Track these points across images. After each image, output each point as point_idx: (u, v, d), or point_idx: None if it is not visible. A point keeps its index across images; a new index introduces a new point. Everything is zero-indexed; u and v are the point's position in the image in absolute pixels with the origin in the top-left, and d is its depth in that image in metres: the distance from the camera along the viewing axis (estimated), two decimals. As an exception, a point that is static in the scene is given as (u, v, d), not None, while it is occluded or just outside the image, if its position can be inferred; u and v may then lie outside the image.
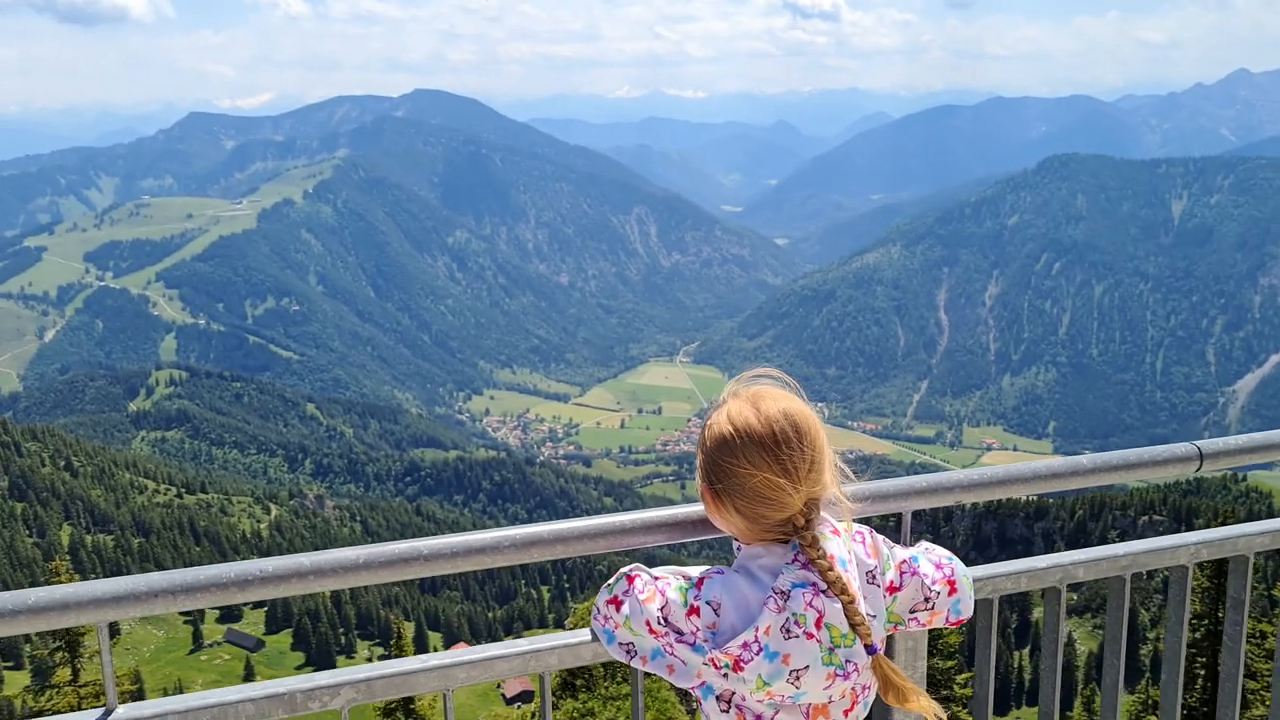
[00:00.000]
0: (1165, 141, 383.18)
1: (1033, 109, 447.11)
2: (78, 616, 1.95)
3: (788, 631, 1.96)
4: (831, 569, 1.99)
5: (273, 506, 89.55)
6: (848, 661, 2.00)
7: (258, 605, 62.20)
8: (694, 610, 1.98)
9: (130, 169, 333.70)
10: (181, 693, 2.17)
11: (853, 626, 1.99)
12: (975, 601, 2.51)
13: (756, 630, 1.95)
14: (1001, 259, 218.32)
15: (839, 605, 1.98)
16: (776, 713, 2.05)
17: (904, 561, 2.16)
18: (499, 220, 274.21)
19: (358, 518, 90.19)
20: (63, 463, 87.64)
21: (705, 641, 1.99)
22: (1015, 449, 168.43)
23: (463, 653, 2.26)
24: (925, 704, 2.14)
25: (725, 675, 1.99)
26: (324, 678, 2.16)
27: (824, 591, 1.97)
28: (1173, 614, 3.25)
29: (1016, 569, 2.88)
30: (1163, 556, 3.14)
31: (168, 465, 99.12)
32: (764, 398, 2.00)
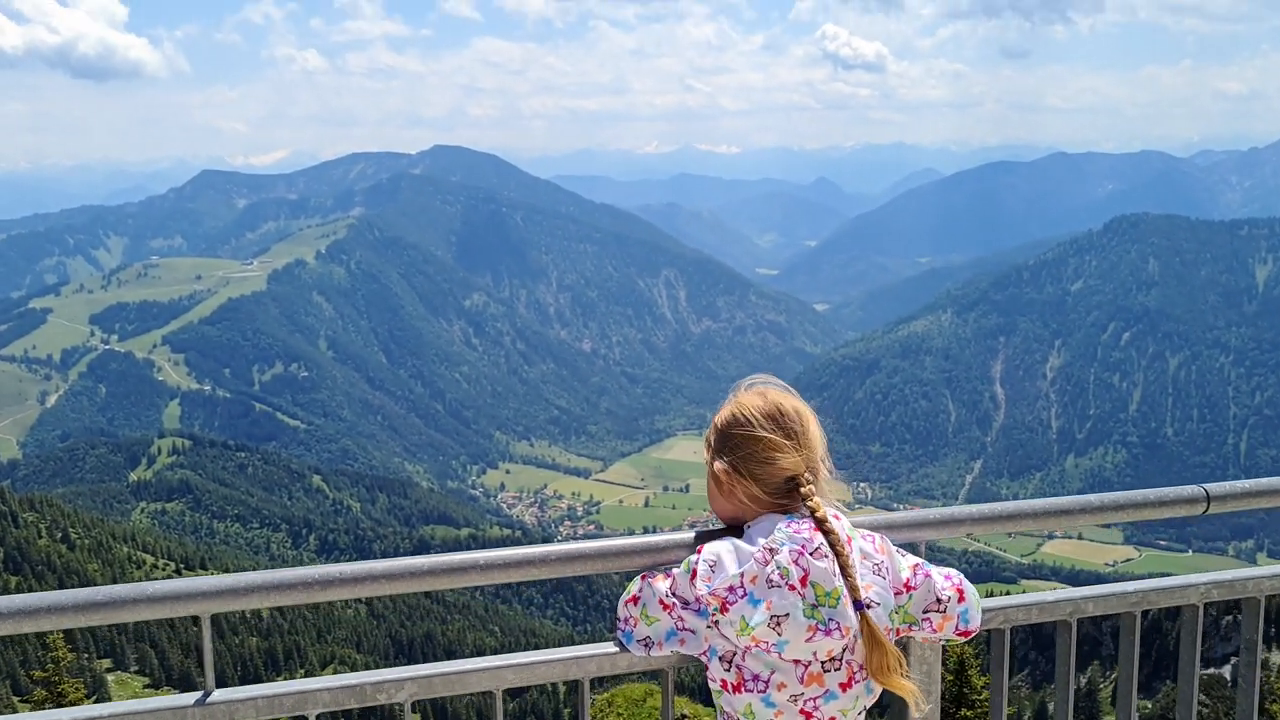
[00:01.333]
0: (1246, 200, 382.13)
1: (1098, 165, 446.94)
2: (187, 607, 2.48)
3: (770, 582, 2.42)
4: (826, 521, 2.49)
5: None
6: (830, 620, 2.41)
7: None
8: (695, 574, 2.50)
9: (140, 228, 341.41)
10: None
11: (846, 580, 2.42)
12: (989, 632, 3.12)
13: (742, 576, 2.44)
14: (1064, 328, 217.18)
15: (825, 566, 2.42)
16: (773, 673, 2.48)
17: (918, 564, 2.63)
18: (519, 282, 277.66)
19: (362, 598, 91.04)
20: (60, 534, 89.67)
21: (707, 605, 2.48)
22: (1080, 537, 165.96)
23: (512, 656, 2.76)
24: (907, 686, 2.52)
25: (717, 623, 2.48)
26: (391, 673, 2.68)
27: (812, 553, 2.43)
28: (1184, 653, 3.45)
29: (1029, 601, 3.17)
30: (1173, 595, 3.37)
31: (167, 539, 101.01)
32: (767, 389, 2.68)
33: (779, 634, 2.44)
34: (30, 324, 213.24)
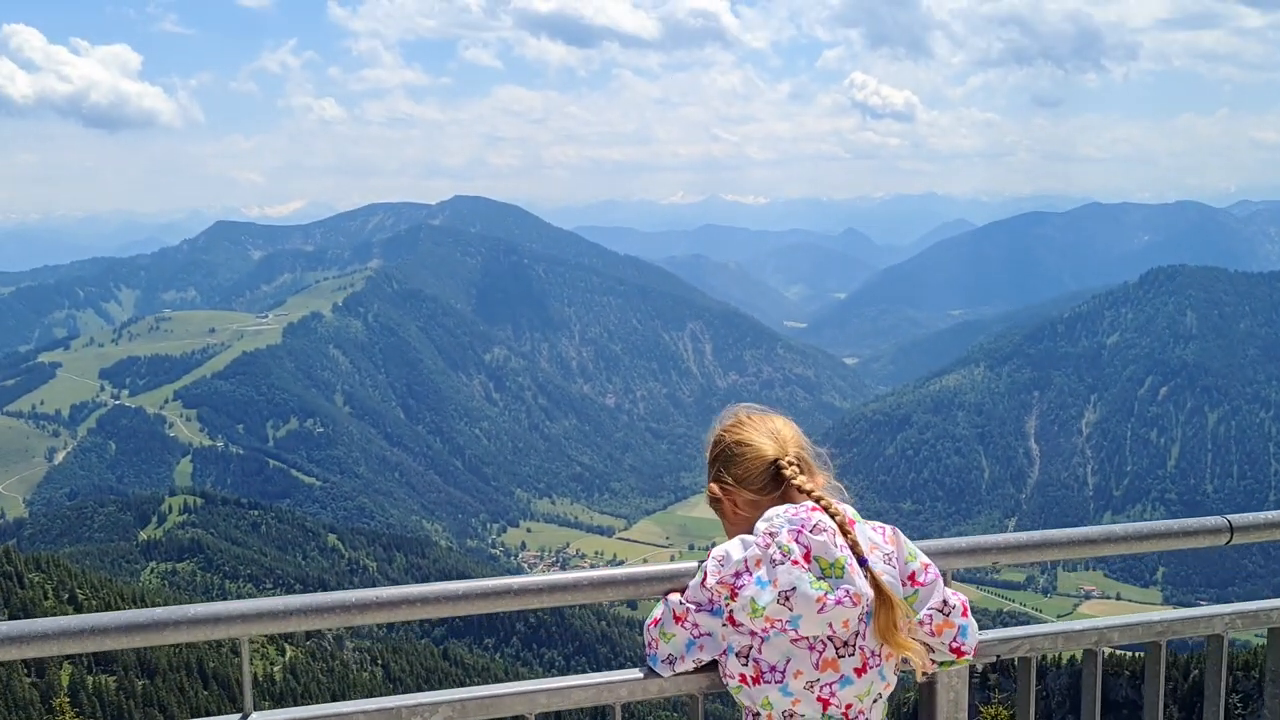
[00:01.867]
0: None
1: (1134, 216, 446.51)
2: (227, 630, 2.65)
3: (774, 561, 2.63)
4: (824, 499, 2.74)
5: (288, 647, 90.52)
6: (839, 587, 2.60)
7: None
8: (705, 574, 2.73)
9: (152, 281, 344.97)
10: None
11: (846, 538, 2.66)
12: (1016, 660, 3.29)
13: (746, 561, 2.67)
14: (1100, 382, 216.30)
15: (824, 539, 2.62)
16: (789, 661, 2.64)
17: (929, 564, 2.81)
18: (540, 336, 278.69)
19: (379, 661, 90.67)
20: (67, 595, 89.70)
21: (718, 595, 2.71)
22: (1119, 597, 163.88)
23: (545, 680, 2.90)
24: (913, 645, 2.68)
25: (732, 614, 2.68)
26: (425, 697, 2.81)
27: (811, 529, 2.64)
28: (1209, 684, 3.51)
29: (1054, 630, 3.30)
30: (1198, 625, 3.44)
31: (178, 600, 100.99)
32: (735, 407, 3.17)
33: (790, 609, 2.59)
34: (38, 379, 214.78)
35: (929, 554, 2.99)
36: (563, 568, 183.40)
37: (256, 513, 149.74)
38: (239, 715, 2.79)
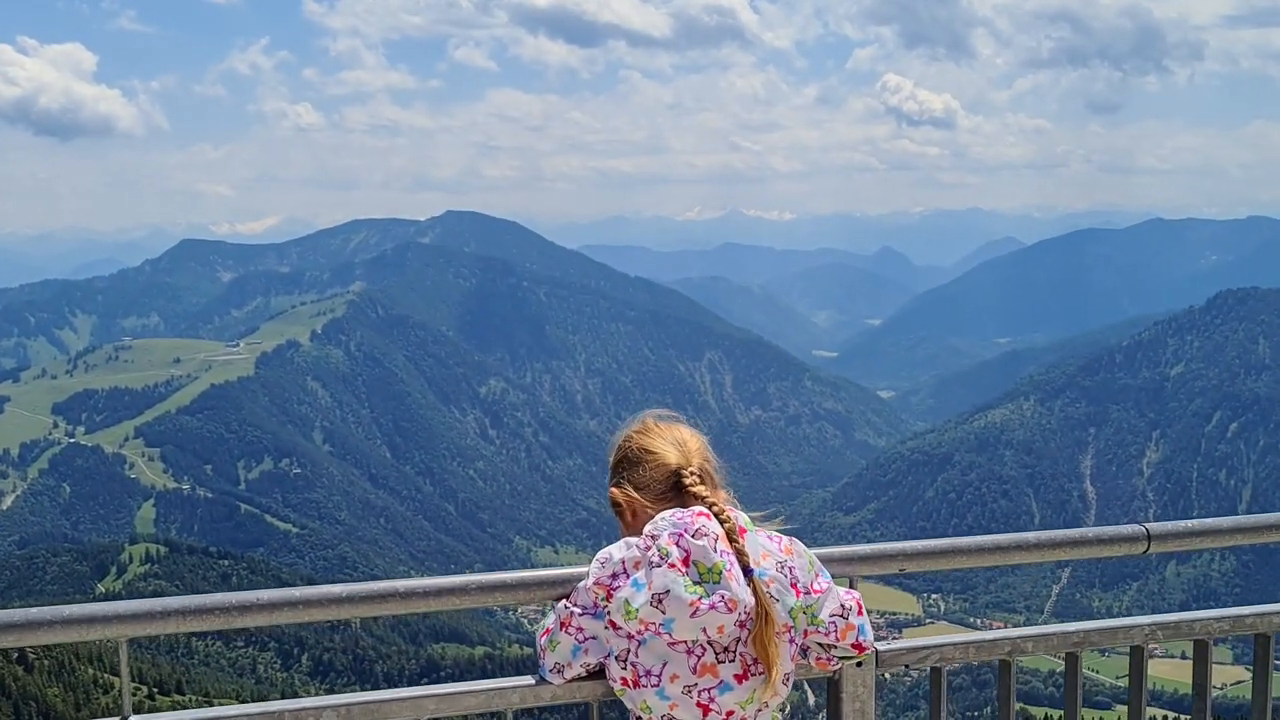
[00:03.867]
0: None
1: (1199, 233, 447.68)
2: (104, 630, 2.86)
3: (652, 564, 2.93)
4: (717, 506, 3.05)
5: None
6: (714, 593, 2.87)
7: None
8: (592, 581, 3.06)
9: (111, 305, 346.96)
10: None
11: (732, 545, 2.95)
12: (930, 669, 3.61)
13: (624, 562, 3.01)
14: (1162, 417, 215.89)
15: (704, 544, 2.90)
16: (665, 664, 2.94)
17: (821, 572, 3.16)
18: (542, 367, 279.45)
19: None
20: (15, 654, 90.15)
21: (595, 596, 3.05)
22: (1183, 656, 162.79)
23: (433, 687, 3.15)
24: (776, 658, 2.96)
25: (599, 613, 3.03)
26: (310, 701, 3.05)
27: (693, 534, 2.93)
28: (1131, 697, 3.82)
29: (965, 639, 3.58)
30: (1115, 636, 3.70)
31: (139, 660, 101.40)
32: (658, 419, 3.46)
33: (663, 612, 2.88)
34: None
35: (832, 560, 3.34)
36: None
37: (227, 563, 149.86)
38: (118, 719, 3.00)
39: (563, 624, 3.11)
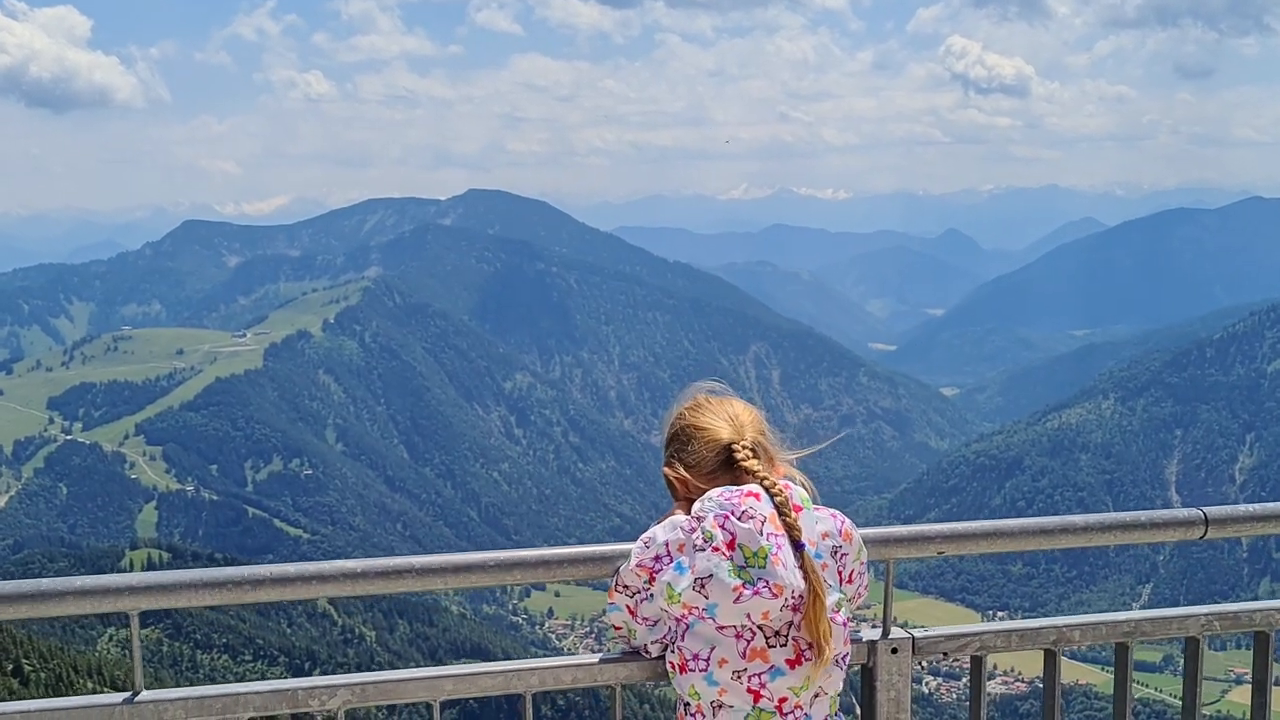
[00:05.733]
0: None
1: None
2: (115, 602, 3.09)
3: (696, 547, 3.13)
4: (769, 483, 3.25)
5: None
6: (760, 579, 3.06)
7: None
8: (635, 564, 3.32)
9: (109, 292, 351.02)
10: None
11: (783, 519, 3.16)
12: (970, 658, 3.84)
13: (668, 545, 3.22)
14: (1258, 418, 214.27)
15: (749, 528, 3.08)
16: (713, 649, 3.13)
17: (865, 564, 3.46)
18: (572, 360, 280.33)
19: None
20: (11, 666, 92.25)
21: (638, 579, 3.31)
22: (1278, 683, 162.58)
23: (451, 667, 3.41)
24: (834, 644, 3.16)
25: (650, 597, 3.28)
26: (323, 680, 3.31)
27: (739, 516, 3.11)
28: (1186, 690, 3.92)
29: (1007, 628, 3.73)
30: (1169, 626, 3.81)
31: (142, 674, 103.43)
32: (710, 394, 3.66)
33: (706, 597, 3.08)
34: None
35: (868, 542, 3.56)
36: (599, 640, 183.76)
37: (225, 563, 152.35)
38: (129, 693, 3.20)
39: (630, 612, 3.38)
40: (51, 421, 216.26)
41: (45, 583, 3.03)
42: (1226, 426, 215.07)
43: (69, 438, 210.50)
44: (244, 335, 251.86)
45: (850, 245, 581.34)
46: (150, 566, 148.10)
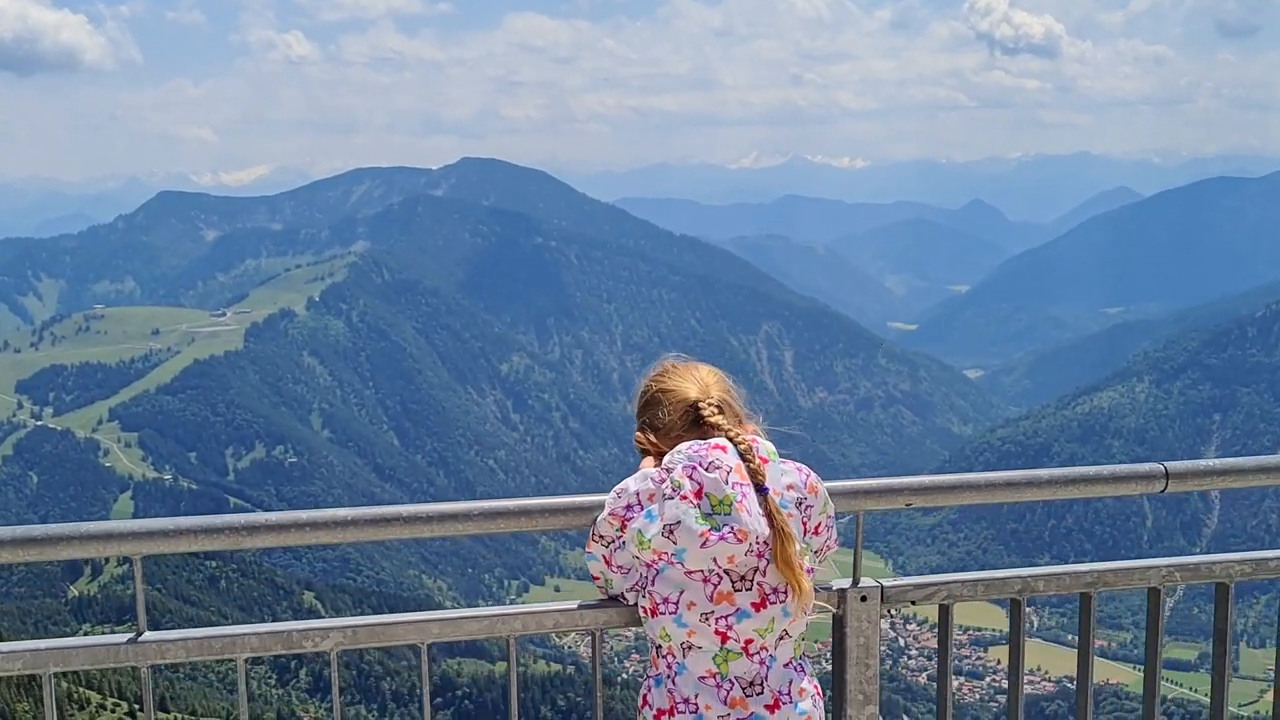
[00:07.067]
0: None
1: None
2: (119, 547, 3.56)
3: (665, 496, 3.57)
4: (736, 437, 3.69)
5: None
6: (725, 525, 3.47)
7: None
8: (607, 512, 3.77)
9: (80, 268, 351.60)
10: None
11: (747, 464, 3.58)
12: (938, 606, 4.26)
13: (639, 494, 3.68)
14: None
15: (715, 477, 3.51)
16: (682, 592, 3.57)
17: (831, 516, 3.84)
18: (572, 340, 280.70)
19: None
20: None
21: (611, 527, 3.76)
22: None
23: (438, 612, 3.88)
24: (803, 583, 3.58)
25: (623, 544, 3.73)
26: (317, 623, 3.70)
27: (705, 466, 3.55)
28: (1149, 639, 4.30)
29: (974, 577, 4.09)
30: (1130, 576, 4.18)
31: (117, 674, 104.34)
32: (677, 360, 4.25)
33: (675, 543, 3.48)
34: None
35: (837, 494, 3.95)
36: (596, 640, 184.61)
37: (214, 564, 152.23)
38: (133, 633, 3.63)
39: (606, 561, 3.83)
40: (20, 406, 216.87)
41: (53, 528, 3.46)
42: (1269, 411, 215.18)
43: (39, 423, 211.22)
44: (223, 314, 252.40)
45: (867, 217, 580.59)
46: (126, 560, 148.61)
